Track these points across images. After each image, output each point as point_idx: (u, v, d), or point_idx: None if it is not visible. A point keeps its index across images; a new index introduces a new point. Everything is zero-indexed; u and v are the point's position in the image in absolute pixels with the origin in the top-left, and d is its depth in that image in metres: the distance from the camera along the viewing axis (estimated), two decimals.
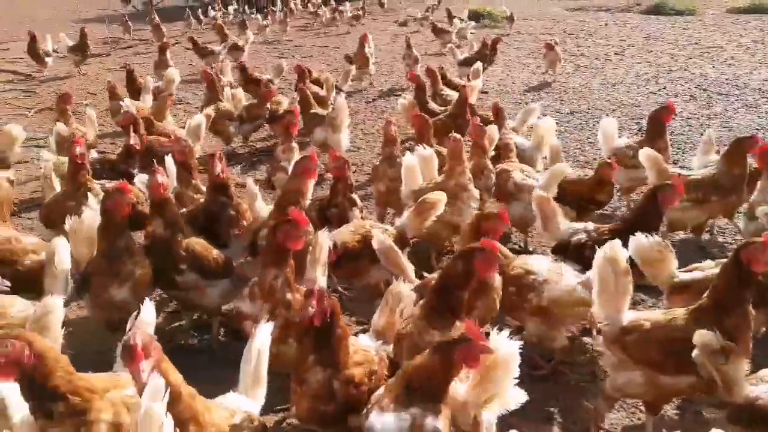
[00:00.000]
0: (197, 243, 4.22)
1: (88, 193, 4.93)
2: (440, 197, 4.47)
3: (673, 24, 17.32)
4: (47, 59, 13.55)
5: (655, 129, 6.07)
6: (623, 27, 17.40)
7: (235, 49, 14.11)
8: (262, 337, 2.96)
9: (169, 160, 4.94)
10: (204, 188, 4.96)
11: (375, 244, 3.89)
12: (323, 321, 2.80)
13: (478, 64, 10.09)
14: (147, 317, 2.90)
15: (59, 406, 2.50)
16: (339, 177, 4.90)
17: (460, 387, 2.71)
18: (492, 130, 6.19)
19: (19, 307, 3.52)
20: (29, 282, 3.91)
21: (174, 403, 2.30)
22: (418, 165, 5.28)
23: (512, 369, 2.61)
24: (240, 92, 8.33)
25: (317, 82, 9.51)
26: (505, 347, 2.61)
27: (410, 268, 3.86)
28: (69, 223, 4.02)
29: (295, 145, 5.98)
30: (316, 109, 7.95)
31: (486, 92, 11.14)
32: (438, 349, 2.61)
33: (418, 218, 4.46)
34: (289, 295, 3.44)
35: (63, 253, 3.80)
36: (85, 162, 5.02)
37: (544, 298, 3.65)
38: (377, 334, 3.26)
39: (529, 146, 6.53)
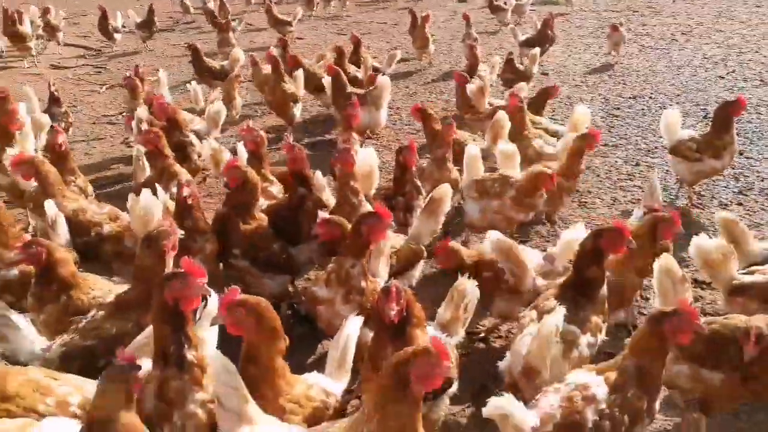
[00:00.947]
0: (258, 232, 4.42)
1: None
2: (447, 191, 4.48)
3: (746, 1, 16.58)
4: (116, 35, 14.05)
5: (722, 123, 5.97)
6: (692, 4, 16.74)
7: (282, 24, 14.32)
8: (352, 326, 3.16)
9: (240, 148, 5.17)
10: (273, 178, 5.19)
11: (491, 245, 4.02)
12: (400, 317, 2.99)
13: (536, 50, 9.93)
14: (212, 307, 3.13)
15: None
16: (407, 165, 5.03)
17: None
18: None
19: None
20: None
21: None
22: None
23: None
24: (301, 74, 8.49)
25: (357, 63, 9.72)
26: None
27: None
28: (129, 201, 4.40)
29: (355, 135, 6.06)
30: (352, 89, 8.07)
31: (546, 74, 11.02)
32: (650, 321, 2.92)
33: (431, 218, 4.47)
34: (363, 283, 3.66)
35: None
36: (161, 147, 5.30)
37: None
38: (442, 327, 3.41)
39: (563, 131, 6.63)
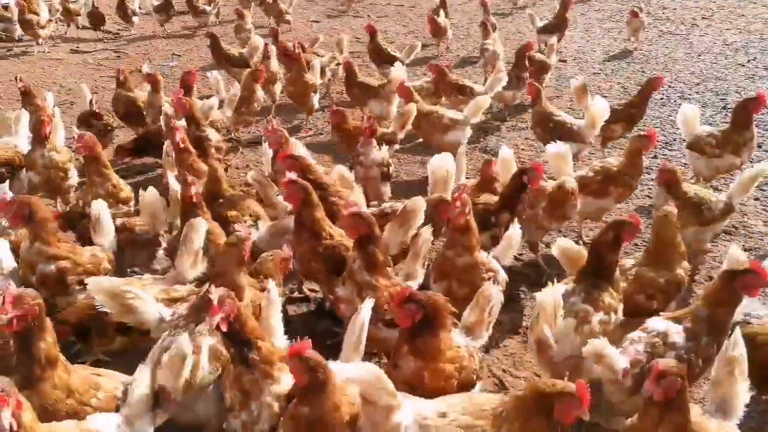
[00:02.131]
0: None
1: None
2: (421, 204, 4.41)
3: None
4: (134, 18, 14.11)
5: (742, 119, 5.98)
6: None
7: (199, 14, 14.47)
8: (365, 311, 3.29)
9: (266, 146, 5.26)
10: None
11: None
12: (412, 322, 3.12)
13: (553, 39, 9.84)
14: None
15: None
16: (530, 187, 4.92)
17: None
18: None
19: None
20: None
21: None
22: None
23: None
24: (318, 64, 8.55)
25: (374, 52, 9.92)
26: None
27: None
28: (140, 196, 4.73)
29: (373, 140, 6.00)
30: (364, 79, 8.28)
31: (564, 60, 10.96)
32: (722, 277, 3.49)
33: (402, 229, 4.41)
34: (369, 278, 3.77)
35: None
36: (186, 146, 5.44)
37: None
38: (467, 330, 3.51)
39: (582, 125, 6.68)
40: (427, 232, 4.09)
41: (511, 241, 4.24)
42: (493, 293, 3.53)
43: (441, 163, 5.19)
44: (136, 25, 14.34)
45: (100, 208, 4.63)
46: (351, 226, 3.88)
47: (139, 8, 14.56)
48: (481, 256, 4.12)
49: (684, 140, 7.27)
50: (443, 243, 4.24)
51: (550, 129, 6.76)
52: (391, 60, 9.40)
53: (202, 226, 4.10)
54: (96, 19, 13.56)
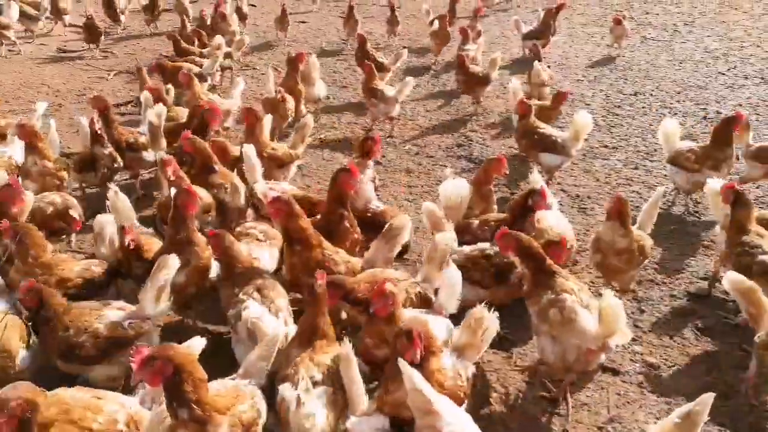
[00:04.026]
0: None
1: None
2: (406, 222, 4.57)
3: None
4: (122, 17, 14.06)
5: (723, 137, 6.18)
6: None
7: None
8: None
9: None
10: None
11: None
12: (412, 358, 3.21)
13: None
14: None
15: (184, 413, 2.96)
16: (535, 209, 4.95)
17: None
18: None
19: None
20: None
21: None
22: None
23: None
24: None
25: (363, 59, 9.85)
26: None
27: None
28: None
29: (370, 162, 6.02)
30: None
31: (548, 66, 11.11)
32: None
33: (387, 246, 4.54)
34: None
35: None
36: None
37: None
38: (457, 351, 3.61)
39: (565, 137, 6.84)
40: (441, 238, 4.28)
41: (453, 287, 4.08)
42: (486, 317, 3.60)
43: (455, 189, 5.18)
44: (123, 23, 14.31)
45: (103, 221, 4.77)
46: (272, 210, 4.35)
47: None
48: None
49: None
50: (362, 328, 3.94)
51: (535, 141, 6.91)
52: (378, 67, 9.49)
53: (173, 264, 4.03)
54: (91, 32, 12.11)
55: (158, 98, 7.59)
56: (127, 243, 4.52)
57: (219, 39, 10.21)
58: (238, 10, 13.38)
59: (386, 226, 4.63)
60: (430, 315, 3.96)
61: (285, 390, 3.25)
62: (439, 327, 3.82)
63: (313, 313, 3.66)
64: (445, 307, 4.07)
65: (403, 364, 3.08)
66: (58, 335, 3.85)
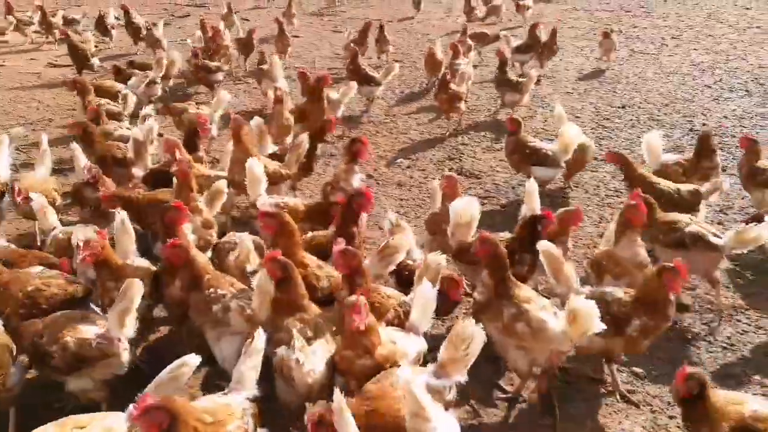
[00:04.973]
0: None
1: None
2: (404, 243, 4.58)
3: (735, 2, 16.81)
4: (113, 32, 14.11)
5: (705, 149, 6.27)
6: (683, 4, 16.98)
7: None
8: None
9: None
10: None
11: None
12: None
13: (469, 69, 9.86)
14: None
15: None
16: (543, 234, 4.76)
17: None
18: None
19: None
20: None
21: None
22: None
23: None
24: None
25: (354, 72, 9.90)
26: None
27: None
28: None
29: (357, 167, 6.16)
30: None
31: (539, 80, 11.20)
32: None
33: (382, 263, 4.55)
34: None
35: None
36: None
37: None
38: (440, 367, 3.54)
39: (555, 149, 6.92)
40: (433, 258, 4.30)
41: (426, 306, 3.95)
42: (469, 331, 3.53)
43: (466, 208, 4.99)
44: (115, 38, 14.38)
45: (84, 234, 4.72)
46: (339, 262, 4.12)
47: (117, 18, 14.54)
48: (385, 350, 3.70)
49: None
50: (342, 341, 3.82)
51: (527, 155, 6.97)
52: (369, 81, 9.57)
53: (137, 289, 4.00)
54: (77, 56, 11.51)
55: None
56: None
57: (160, 54, 10.36)
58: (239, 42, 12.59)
59: (384, 242, 4.67)
60: (402, 332, 3.94)
61: (282, 351, 3.60)
62: (410, 345, 3.82)
63: (286, 290, 3.93)
64: (417, 325, 3.97)
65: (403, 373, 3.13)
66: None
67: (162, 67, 10.06)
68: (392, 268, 4.53)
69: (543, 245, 4.36)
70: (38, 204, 5.43)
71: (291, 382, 3.57)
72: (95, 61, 11.56)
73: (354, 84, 8.97)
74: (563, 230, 5.05)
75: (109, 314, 4.05)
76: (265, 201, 5.52)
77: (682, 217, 5.19)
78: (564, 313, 3.87)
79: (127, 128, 7.75)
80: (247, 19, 16.45)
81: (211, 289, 4.17)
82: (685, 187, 5.81)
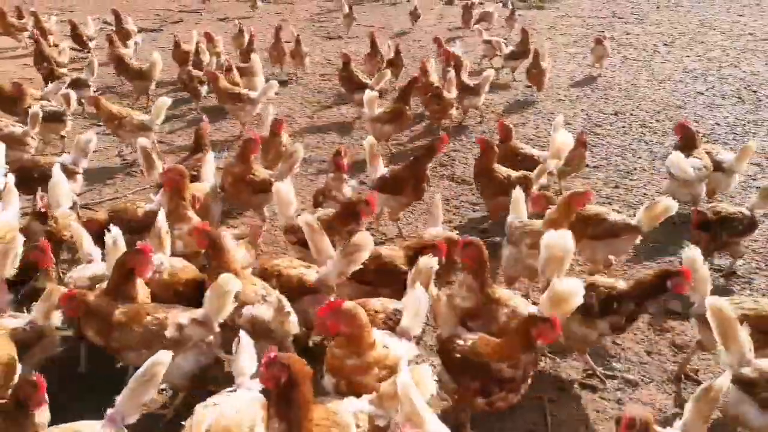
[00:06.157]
0: None
1: None
2: (368, 242, 4.45)
3: (728, 9, 16.91)
4: (90, 43, 13.95)
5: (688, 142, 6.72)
6: (675, 11, 17.07)
7: None
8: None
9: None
10: None
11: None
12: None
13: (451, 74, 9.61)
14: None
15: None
16: None
17: None
18: None
19: None
20: None
21: None
22: None
23: None
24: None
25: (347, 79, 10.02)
26: None
27: None
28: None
29: (346, 177, 6.20)
30: None
31: (530, 86, 11.22)
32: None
33: (344, 261, 4.45)
34: None
35: None
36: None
37: None
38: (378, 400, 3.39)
39: (546, 156, 6.88)
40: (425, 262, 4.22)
41: (418, 309, 3.92)
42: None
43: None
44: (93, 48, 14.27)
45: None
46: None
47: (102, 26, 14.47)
48: (376, 353, 3.63)
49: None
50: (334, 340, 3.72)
51: (519, 162, 6.95)
52: (362, 87, 9.55)
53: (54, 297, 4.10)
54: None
55: None
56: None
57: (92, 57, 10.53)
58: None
59: (349, 241, 4.53)
60: (394, 338, 3.86)
61: (250, 310, 4.10)
62: (401, 349, 3.76)
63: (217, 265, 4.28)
64: (409, 329, 3.90)
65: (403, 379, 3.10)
66: None
67: (93, 69, 10.29)
68: (356, 267, 4.43)
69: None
70: None
71: (267, 335, 4.01)
72: (63, 71, 11.26)
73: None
74: (568, 213, 5.10)
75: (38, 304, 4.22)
76: (309, 217, 4.90)
77: (601, 209, 5.59)
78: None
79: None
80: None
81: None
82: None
